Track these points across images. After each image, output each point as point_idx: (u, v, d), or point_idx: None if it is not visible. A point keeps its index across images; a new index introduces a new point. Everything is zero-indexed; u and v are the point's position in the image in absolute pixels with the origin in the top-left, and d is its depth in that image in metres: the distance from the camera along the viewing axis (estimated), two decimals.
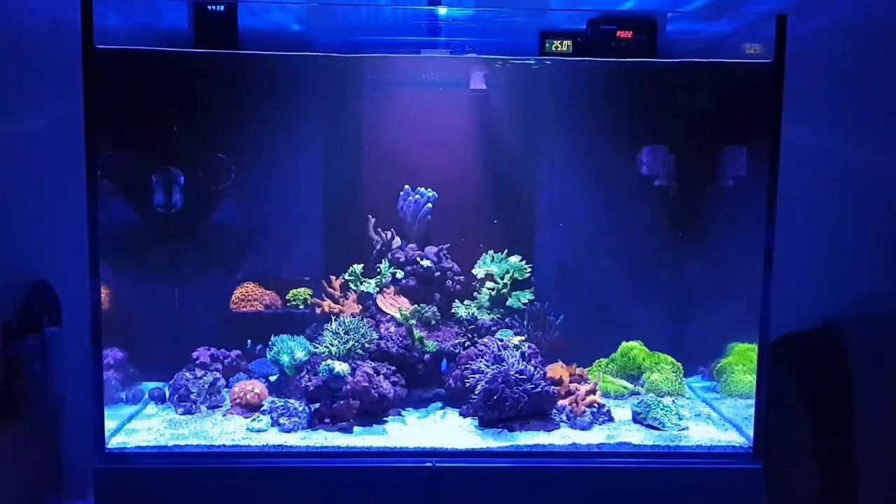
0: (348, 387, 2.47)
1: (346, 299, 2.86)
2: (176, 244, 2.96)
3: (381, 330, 2.74)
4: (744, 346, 2.85)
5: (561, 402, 2.59)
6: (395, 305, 2.82)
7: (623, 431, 2.50)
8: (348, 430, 2.45)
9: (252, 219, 3.03)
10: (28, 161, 2.96)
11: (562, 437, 2.43)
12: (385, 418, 2.56)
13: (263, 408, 2.58)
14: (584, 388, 2.62)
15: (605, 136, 2.97)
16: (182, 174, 2.90)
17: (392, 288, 2.89)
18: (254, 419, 2.51)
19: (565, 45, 2.57)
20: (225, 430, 2.47)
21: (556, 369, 2.73)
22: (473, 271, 2.94)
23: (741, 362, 2.84)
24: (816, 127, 3.04)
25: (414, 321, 2.74)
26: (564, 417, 2.55)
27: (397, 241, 2.99)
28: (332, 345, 2.62)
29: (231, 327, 2.94)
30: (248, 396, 2.62)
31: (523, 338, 2.74)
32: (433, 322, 2.83)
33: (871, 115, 3.07)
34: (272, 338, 2.72)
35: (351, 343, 2.62)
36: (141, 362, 2.82)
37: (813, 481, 2.79)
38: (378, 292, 2.85)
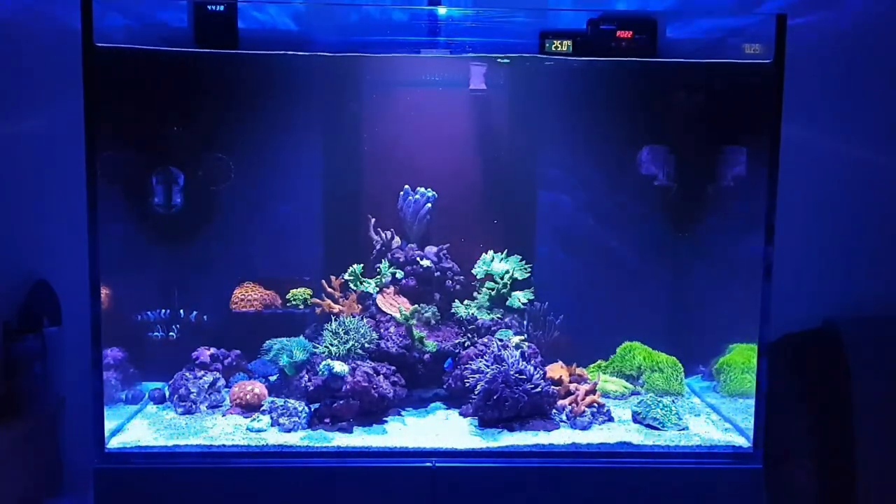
0: (348, 387, 2.47)
1: (346, 299, 2.86)
2: (175, 244, 2.96)
3: (381, 330, 2.74)
4: (743, 346, 2.85)
5: (561, 402, 2.59)
6: (395, 305, 2.82)
7: (623, 431, 2.50)
8: (348, 430, 2.45)
9: (252, 218, 3.02)
10: (28, 161, 2.96)
11: (562, 437, 2.44)
12: (385, 418, 2.56)
13: (263, 408, 2.58)
14: (583, 388, 2.62)
15: (605, 135, 2.97)
16: (182, 174, 2.90)
17: (392, 288, 2.89)
18: (254, 419, 2.51)
19: (565, 45, 2.57)
20: (225, 430, 2.47)
21: (556, 369, 2.73)
22: (473, 271, 2.94)
23: (741, 362, 2.84)
24: (816, 127, 3.04)
25: (414, 321, 2.74)
26: (564, 417, 2.55)
27: (397, 241, 2.98)
28: (331, 345, 2.62)
29: (231, 327, 2.94)
30: (247, 396, 2.62)
31: (523, 338, 2.74)
32: (433, 322, 2.83)
33: (872, 115, 3.07)
34: (266, 342, 2.73)
35: (351, 343, 2.62)
36: (141, 362, 2.82)
37: (813, 481, 2.79)
38: (378, 292, 2.85)
